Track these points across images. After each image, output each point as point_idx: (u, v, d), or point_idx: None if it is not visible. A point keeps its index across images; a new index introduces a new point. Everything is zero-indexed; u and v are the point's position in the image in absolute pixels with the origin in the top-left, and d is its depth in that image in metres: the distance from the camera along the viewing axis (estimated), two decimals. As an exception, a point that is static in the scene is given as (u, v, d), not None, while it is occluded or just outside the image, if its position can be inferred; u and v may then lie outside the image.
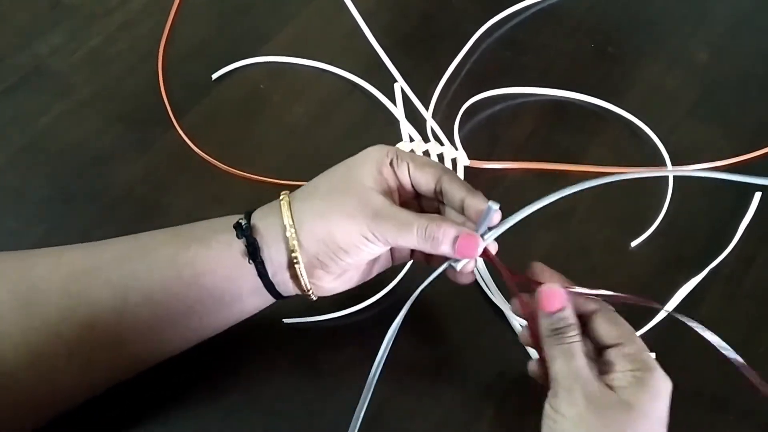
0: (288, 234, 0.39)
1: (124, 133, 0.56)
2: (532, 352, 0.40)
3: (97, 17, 0.63)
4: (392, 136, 0.56)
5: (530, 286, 0.40)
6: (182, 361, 0.42)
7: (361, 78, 0.59)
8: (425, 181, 0.41)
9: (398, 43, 0.62)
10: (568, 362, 0.37)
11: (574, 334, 0.37)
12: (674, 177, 0.54)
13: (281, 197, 0.41)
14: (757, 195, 0.53)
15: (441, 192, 0.41)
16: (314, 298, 0.42)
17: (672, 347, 0.46)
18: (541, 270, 0.40)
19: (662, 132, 0.57)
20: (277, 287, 0.41)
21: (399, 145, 0.54)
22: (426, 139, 0.56)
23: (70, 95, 0.58)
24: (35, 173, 0.54)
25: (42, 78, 0.59)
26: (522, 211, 0.40)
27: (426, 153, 0.55)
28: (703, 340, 0.43)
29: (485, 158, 0.55)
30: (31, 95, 0.58)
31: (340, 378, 0.45)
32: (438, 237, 0.38)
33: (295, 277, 0.40)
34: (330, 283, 0.41)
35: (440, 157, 0.55)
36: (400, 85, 0.57)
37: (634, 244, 0.51)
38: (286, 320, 0.47)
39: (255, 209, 0.42)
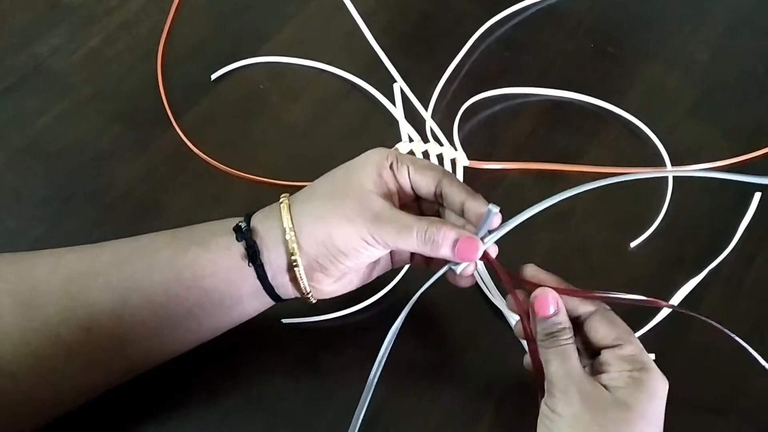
0: (287, 237, 0.39)
1: (123, 133, 0.56)
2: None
3: (97, 17, 0.63)
4: (391, 136, 0.56)
5: (529, 289, 0.40)
6: (181, 362, 0.42)
7: (361, 78, 0.59)
8: (425, 184, 0.41)
9: (397, 43, 0.62)
10: (563, 364, 0.37)
11: (568, 337, 0.38)
12: (674, 177, 0.54)
13: (281, 200, 0.41)
14: (757, 195, 0.53)
15: (441, 195, 0.41)
16: (313, 301, 0.42)
17: (670, 349, 0.46)
18: (534, 272, 0.40)
19: (662, 132, 0.56)
20: (276, 290, 0.41)
21: (398, 146, 0.54)
22: (425, 140, 0.56)
23: (70, 95, 0.58)
24: (34, 173, 0.54)
25: (41, 78, 0.59)
26: (522, 214, 0.40)
27: (425, 153, 0.55)
28: (704, 340, 0.43)
29: (484, 158, 0.55)
30: (31, 95, 0.58)
31: (340, 378, 0.45)
32: (438, 240, 0.38)
33: (294, 280, 0.40)
34: (329, 286, 0.41)
35: (439, 157, 0.55)
36: (400, 85, 0.57)
37: (633, 244, 0.51)
38: (285, 320, 0.47)
39: (255, 212, 0.42)
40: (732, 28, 0.64)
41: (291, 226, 0.39)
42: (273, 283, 0.40)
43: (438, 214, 0.42)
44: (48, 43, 0.61)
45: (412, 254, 0.43)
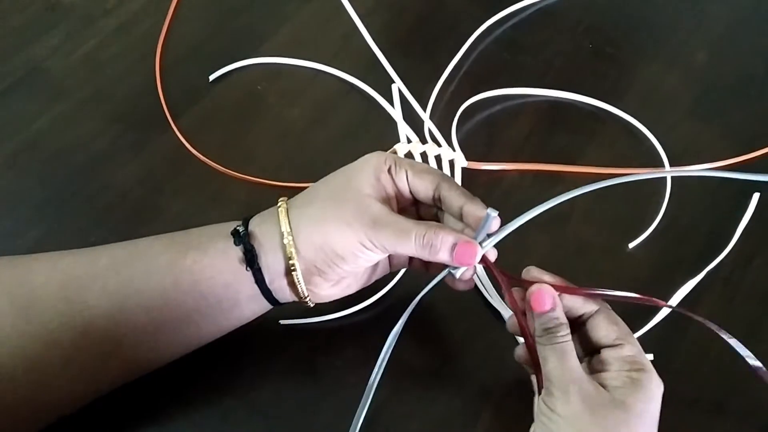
0: (285, 241, 0.39)
1: (121, 135, 0.56)
2: (521, 340, 0.40)
3: (94, 19, 0.63)
4: (390, 137, 0.56)
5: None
6: (180, 364, 0.42)
7: (359, 79, 0.59)
8: (424, 188, 0.41)
9: (396, 43, 0.62)
10: (561, 362, 0.37)
11: (565, 333, 0.37)
12: (672, 178, 0.54)
13: (279, 204, 0.41)
14: (756, 195, 0.53)
15: (439, 199, 0.41)
16: (311, 305, 0.42)
17: (670, 349, 0.46)
18: (537, 274, 0.40)
19: (660, 132, 0.56)
20: (274, 294, 0.41)
21: (396, 146, 0.54)
22: (423, 141, 0.56)
23: (67, 97, 0.58)
24: (31, 175, 0.54)
25: (39, 80, 0.59)
26: (520, 217, 0.40)
27: (423, 154, 0.55)
28: (702, 340, 0.43)
29: (483, 159, 0.55)
30: (28, 97, 0.58)
31: (338, 379, 0.45)
32: (436, 245, 0.38)
33: (292, 284, 0.40)
34: (327, 290, 0.41)
35: (438, 158, 0.55)
36: (398, 86, 0.57)
37: (632, 245, 0.51)
38: (282, 321, 0.47)
39: (252, 215, 0.42)
40: (730, 28, 0.64)
41: (289, 230, 0.39)
42: (271, 287, 0.40)
43: (436, 218, 0.42)
44: (45, 45, 0.61)
45: (411, 258, 0.43)
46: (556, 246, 0.51)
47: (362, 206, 0.39)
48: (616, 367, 0.37)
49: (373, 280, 0.44)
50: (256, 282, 0.40)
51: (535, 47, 0.62)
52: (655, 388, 0.37)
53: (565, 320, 0.38)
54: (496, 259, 0.40)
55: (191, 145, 0.56)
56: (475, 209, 0.39)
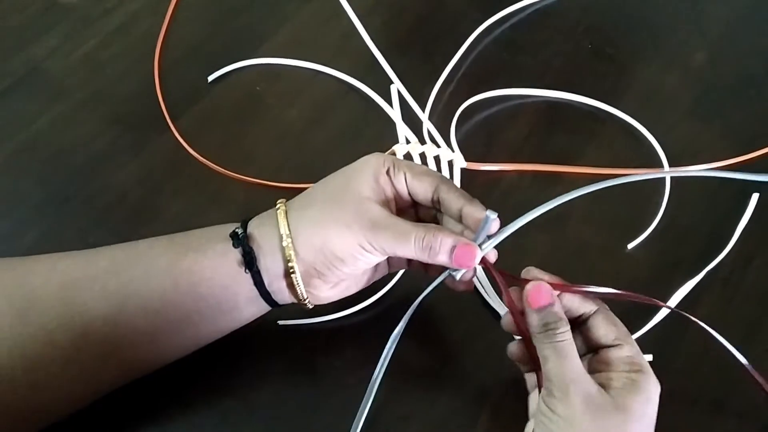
0: (284, 244, 0.39)
1: (119, 136, 0.56)
2: (517, 337, 0.40)
3: (93, 19, 0.63)
4: (388, 138, 0.56)
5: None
6: (179, 365, 0.42)
7: (358, 80, 0.59)
8: (422, 191, 0.41)
9: (395, 44, 0.62)
10: (561, 362, 0.37)
11: (563, 330, 0.37)
12: (671, 178, 0.54)
13: (277, 206, 0.41)
14: (755, 196, 0.53)
15: (438, 201, 0.41)
16: (310, 307, 0.42)
17: (669, 349, 0.46)
18: (536, 275, 0.40)
19: (659, 133, 0.56)
20: (273, 296, 0.41)
21: (395, 147, 0.54)
22: (422, 141, 0.55)
23: (66, 98, 0.58)
24: (30, 176, 0.54)
25: (37, 80, 0.59)
26: (519, 219, 0.40)
27: (422, 155, 0.54)
28: (702, 341, 0.43)
29: (482, 160, 0.55)
30: (27, 98, 0.58)
31: (338, 380, 0.45)
32: (435, 247, 0.38)
33: (291, 286, 0.40)
34: (326, 291, 0.41)
35: (437, 159, 0.55)
36: (397, 86, 0.56)
37: (631, 246, 0.51)
38: (281, 322, 0.47)
39: (251, 217, 0.42)
40: (729, 28, 0.64)
41: (288, 232, 0.39)
42: (270, 290, 0.40)
43: (435, 220, 0.42)
44: (44, 46, 0.61)
45: (410, 260, 0.43)
46: (555, 246, 0.51)
47: (361, 208, 0.39)
48: (616, 367, 0.37)
49: (372, 281, 0.44)
50: (255, 284, 0.40)
51: (534, 47, 0.62)
52: (653, 389, 0.37)
53: (563, 316, 0.38)
54: (496, 260, 0.40)
55: (190, 146, 0.55)
56: (474, 211, 0.39)
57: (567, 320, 0.38)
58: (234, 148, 0.56)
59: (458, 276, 0.40)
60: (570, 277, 0.40)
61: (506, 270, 0.40)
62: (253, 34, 0.63)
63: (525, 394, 0.40)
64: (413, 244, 0.38)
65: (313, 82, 0.60)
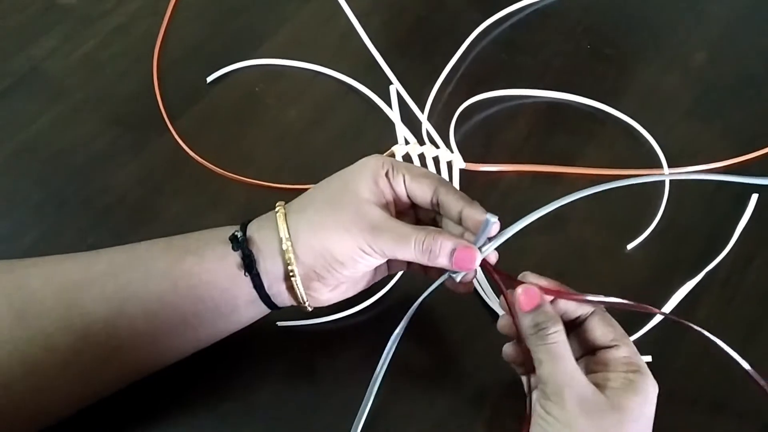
0: (284, 247, 0.39)
1: (118, 137, 0.56)
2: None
3: (92, 20, 0.63)
4: (388, 138, 0.56)
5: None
6: (179, 367, 0.42)
7: (357, 80, 0.59)
8: (422, 193, 0.41)
9: (394, 45, 0.62)
10: (555, 364, 0.36)
11: (555, 330, 0.37)
12: (670, 179, 0.54)
13: (277, 209, 0.41)
14: (754, 197, 0.53)
15: (438, 203, 0.40)
16: (310, 309, 0.42)
17: (669, 350, 0.46)
18: (533, 280, 0.40)
19: (659, 134, 0.56)
20: (273, 299, 0.41)
21: (394, 148, 0.54)
22: (421, 142, 0.55)
23: (65, 98, 0.58)
24: (29, 177, 0.54)
25: (36, 81, 0.59)
26: (519, 222, 0.40)
27: (421, 156, 0.54)
28: (701, 342, 0.43)
29: (481, 161, 0.55)
30: (26, 98, 0.58)
31: (337, 381, 0.45)
32: (435, 250, 0.38)
33: (291, 289, 0.40)
34: (326, 294, 0.41)
35: (436, 160, 0.55)
36: (396, 87, 0.56)
37: (630, 247, 0.51)
38: (280, 323, 0.47)
39: (251, 220, 0.42)
40: (730, 28, 0.64)
41: (287, 236, 0.39)
42: (269, 292, 0.40)
43: (435, 222, 0.42)
44: (43, 46, 0.61)
45: (409, 262, 0.43)
46: (554, 247, 0.51)
47: (361, 211, 0.39)
48: (613, 368, 0.37)
49: (371, 283, 0.44)
50: (255, 287, 0.40)
51: (534, 48, 0.62)
52: (650, 389, 0.37)
53: (554, 314, 0.38)
54: (496, 262, 0.40)
55: (189, 147, 0.55)
56: (474, 213, 0.39)
57: (559, 319, 0.38)
58: (233, 148, 0.56)
59: (458, 278, 0.40)
60: (570, 277, 0.40)
61: (505, 270, 0.40)
62: (252, 34, 0.63)
63: (524, 394, 0.40)
64: (413, 246, 0.38)
65: (312, 82, 0.60)
